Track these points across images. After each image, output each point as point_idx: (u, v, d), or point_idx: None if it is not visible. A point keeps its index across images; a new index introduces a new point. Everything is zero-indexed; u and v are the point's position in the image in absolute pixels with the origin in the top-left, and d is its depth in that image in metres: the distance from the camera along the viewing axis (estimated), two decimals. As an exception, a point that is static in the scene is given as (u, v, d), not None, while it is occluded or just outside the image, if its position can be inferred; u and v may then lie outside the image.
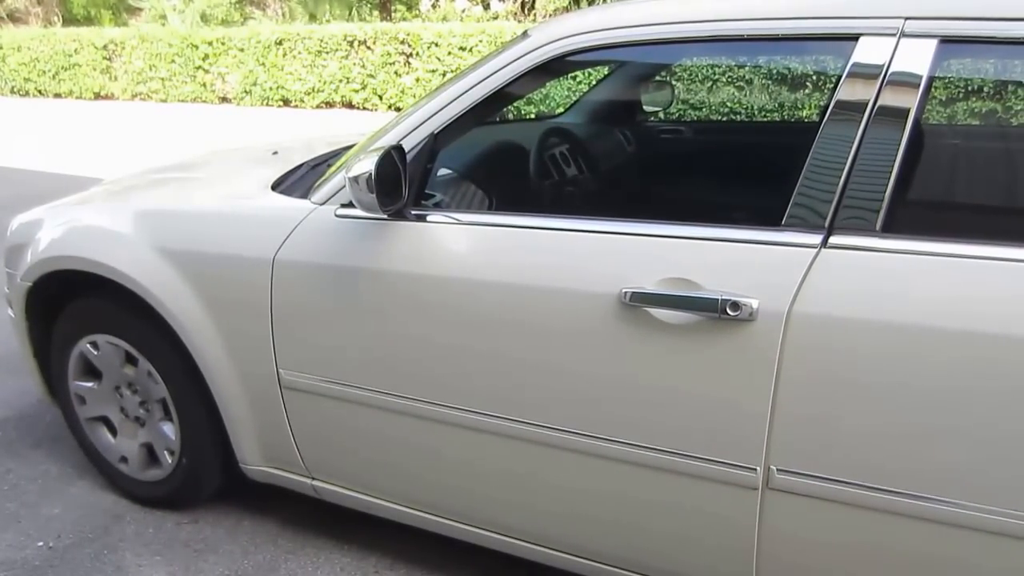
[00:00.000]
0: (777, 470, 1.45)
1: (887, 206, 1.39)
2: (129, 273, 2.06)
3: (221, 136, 10.17)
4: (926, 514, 1.36)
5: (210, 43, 14.60)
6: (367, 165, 1.64)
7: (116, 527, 2.33)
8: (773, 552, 1.53)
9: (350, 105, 13.46)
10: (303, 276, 1.86)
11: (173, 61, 15.05)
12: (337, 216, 1.86)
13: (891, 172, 1.40)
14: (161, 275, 2.03)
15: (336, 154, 2.44)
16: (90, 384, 2.37)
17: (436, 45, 12.55)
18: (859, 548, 1.44)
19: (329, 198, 1.90)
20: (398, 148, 1.73)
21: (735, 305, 1.42)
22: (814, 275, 1.40)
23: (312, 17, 17.88)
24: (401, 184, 1.72)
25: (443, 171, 2.15)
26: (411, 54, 12.83)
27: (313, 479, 2.09)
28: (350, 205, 1.82)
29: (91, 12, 23.69)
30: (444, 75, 12.15)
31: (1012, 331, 1.26)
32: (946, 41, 1.39)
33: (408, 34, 12.82)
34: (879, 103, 1.42)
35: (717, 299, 1.44)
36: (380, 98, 13.14)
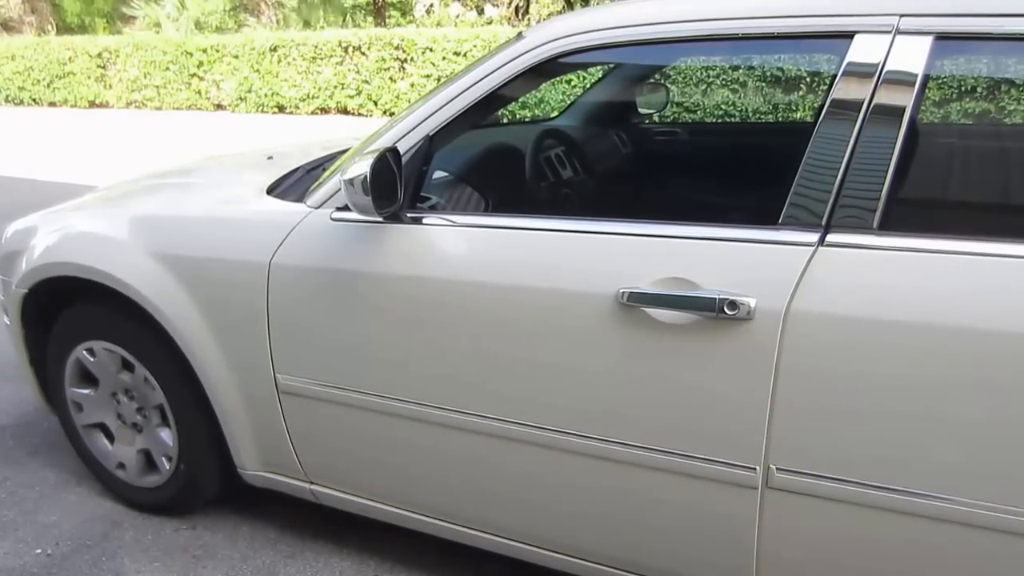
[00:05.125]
0: (777, 469, 1.45)
1: (884, 204, 1.39)
2: (125, 279, 2.05)
3: (217, 143, 10.16)
4: (927, 511, 1.35)
5: (205, 50, 14.61)
6: (362, 168, 1.63)
7: (114, 534, 2.32)
8: (773, 551, 1.52)
9: (345, 111, 13.48)
10: (299, 280, 1.86)
11: (168, 69, 15.06)
12: (333, 219, 1.86)
13: (887, 170, 1.40)
14: (157, 280, 2.03)
15: (331, 158, 2.44)
16: (87, 391, 2.37)
17: (431, 50, 12.58)
18: (860, 546, 1.43)
19: (325, 201, 1.90)
20: (393, 151, 1.72)
21: (733, 304, 1.42)
22: (812, 273, 1.40)
23: (306, 24, 17.87)
24: (396, 187, 1.72)
25: (439, 173, 2.15)
26: (406, 59, 12.85)
27: (311, 483, 2.08)
28: (346, 208, 1.81)
29: (85, 20, 23.68)
30: (439, 80, 12.16)
31: (1010, 327, 1.26)
32: (941, 38, 1.39)
33: (403, 39, 12.84)
34: (875, 101, 1.42)
35: (715, 298, 1.43)
36: (375, 103, 13.16)
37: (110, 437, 2.40)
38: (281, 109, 14.02)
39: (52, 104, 16.60)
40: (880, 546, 1.42)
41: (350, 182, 1.65)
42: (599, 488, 1.65)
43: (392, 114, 12.60)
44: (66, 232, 2.27)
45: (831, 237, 1.42)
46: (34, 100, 16.90)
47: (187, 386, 2.11)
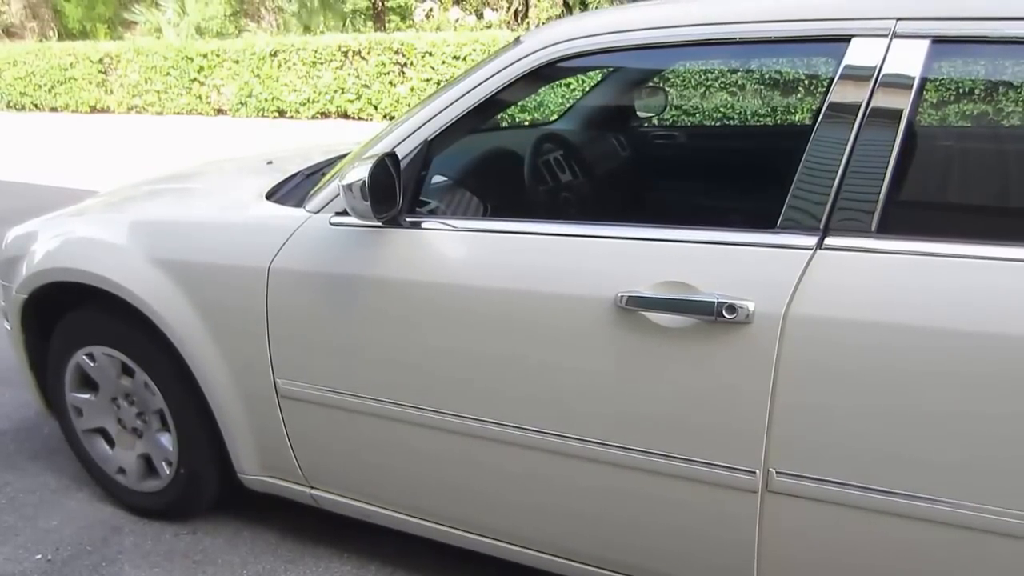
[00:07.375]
0: (776, 473, 1.45)
1: (882, 207, 1.39)
2: (124, 284, 2.05)
3: (217, 148, 10.15)
4: (927, 514, 1.35)
5: (205, 55, 14.61)
6: (361, 173, 1.63)
7: (115, 539, 2.32)
8: (774, 555, 1.52)
9: (345, 115, 13.47)
10: (299, 285, 1.86)
11: (168, 74, 15.06)
12: (332, 224, 1.86)
13: (885, 173, 1.40)
14: (157, 286, 2.03)
15: (330, 163, 2.44)
16: (87, 396, 2.37)
17: (430, 54, 12.58)
18: (861, 549, 1.43)
19: (324, 206, 1.90)
20: (392, 155, 1.73)
21: (731, 308, 1.42)
22: (810, 276, 1.40)
23: (306, 28, 17.87)
24: (395, 191, 1.72)
25: (437, 178, 2.15)
26: (405, 64, 12.85)
27: (311, 488, 2.08)
28: (345, 213, 1.81)
29: (86, 26, 23.69)
30: (439, 84, 12.17)
31: (1007, 330, 1.26)
32: (938, 41, 1.40)
33: (402, 44, 12.84)
34: (872, 104, 1.42)
35: (713, 302, 1.43)
36: (375, 108, 13.15)
37: (110, 442, 2.40)
38: (281, 114, 14.02)
39: (53, 109, 16.60)
40: (881, 549, 1.41)
41: (348, 187, 1.65)
42: (599, 492, 1.65)
43: (392, 118, 12.61)
44: (66, 237, 2.27)
45: (829, 240, 1.42)
46: (36, 105, 16.89)
47: (187, 391, 2.11)
